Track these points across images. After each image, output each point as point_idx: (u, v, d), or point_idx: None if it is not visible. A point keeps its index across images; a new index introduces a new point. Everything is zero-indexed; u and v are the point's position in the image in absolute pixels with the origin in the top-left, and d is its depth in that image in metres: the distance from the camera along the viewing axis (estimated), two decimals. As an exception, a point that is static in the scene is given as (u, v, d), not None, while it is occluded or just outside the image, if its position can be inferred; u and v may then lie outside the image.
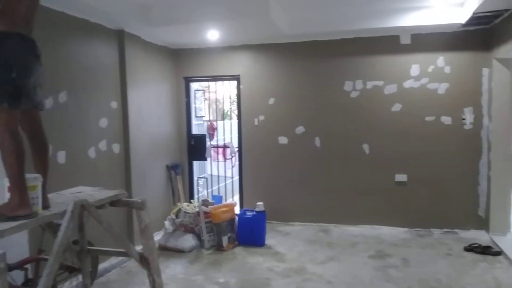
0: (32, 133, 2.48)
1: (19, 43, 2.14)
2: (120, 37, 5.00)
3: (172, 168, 6.22)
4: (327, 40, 5.91)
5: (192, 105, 6.73)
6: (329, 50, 5.95)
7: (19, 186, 2.18)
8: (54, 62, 3.95)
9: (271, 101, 6.24)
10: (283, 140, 6.23)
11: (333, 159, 6.06)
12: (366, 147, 5.92)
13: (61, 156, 4.05)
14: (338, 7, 5.09)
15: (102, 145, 4.68)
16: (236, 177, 6.66)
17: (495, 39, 5.13)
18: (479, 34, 5.39)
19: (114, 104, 4.93)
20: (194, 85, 6.80)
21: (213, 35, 5.57)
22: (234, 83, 6.55)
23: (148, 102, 5.59)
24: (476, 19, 4.86)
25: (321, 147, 6.09)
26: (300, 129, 6.16)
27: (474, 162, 5.56)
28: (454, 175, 5.63)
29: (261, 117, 6.28)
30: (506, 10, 4.53)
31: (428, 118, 5.68)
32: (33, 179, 2.31)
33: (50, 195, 2.61)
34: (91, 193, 2.99)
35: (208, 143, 6.69)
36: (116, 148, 4.95)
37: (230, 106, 9.73)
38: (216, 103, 7.44)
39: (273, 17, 4.69)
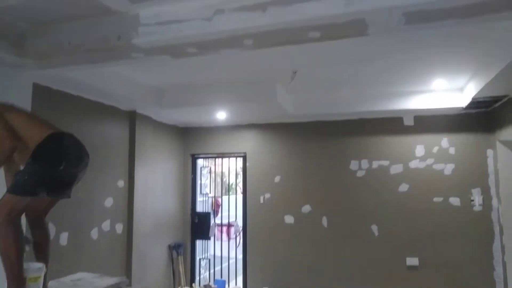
0: (37, 220, 2.43)
1: (72, 141, 2.33)
2: (131, 118, 5.15)
3: (174, 248, 6.02)
4: (332, 120, 6.06)
5: (198, 182, 6.72)
6: (334, 130, 6.08)
7: (17, 279, 2.07)
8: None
9: (277, 179, 6.23)
10: (289, 219, 6.10)
11: (340, 240, 5.87)
12: (374, 228, 5.77)
13: (63, 238, 3.94)
14: (342, 89, 5.29)
15: (106, 225, 4.59)
16: (240, 256, 6.41)
17: (497, 122, 5.25)
18: (481, 117, 5.53)
19: (121, 183, 4.92)
20: (200, 162, 6.85)
21: (221, 115, 5.74)
22: (240, 160, 6.60)
23: (154, 180, 5.59)
24: (476, 103, 5.01)
25: (328, 228, 5.94)
26: (306, 208, 6.06)
27: (488, 246, 5.36)
28: (468, 259, 5.40)
29: (267, 195, 6.23)
30: (505, 96, 4.69)
31: (436, 199, 5.60)
32: (36, 269, 2.21)
33: (50, 283, 2.49)
34: (92, 280, 2.87)
35: (212, 222, 6.56)
36: (119, 228, 4.84)
37: (236, 180, 9.68)
38: (221, 177, 7.44)
39: (280, 100, 4.86)
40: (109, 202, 4.67)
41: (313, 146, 6.15)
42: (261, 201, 6.23)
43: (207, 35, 2.77)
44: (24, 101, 3.48)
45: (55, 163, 2.18)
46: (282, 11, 2.50)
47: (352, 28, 2.62)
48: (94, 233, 4.41)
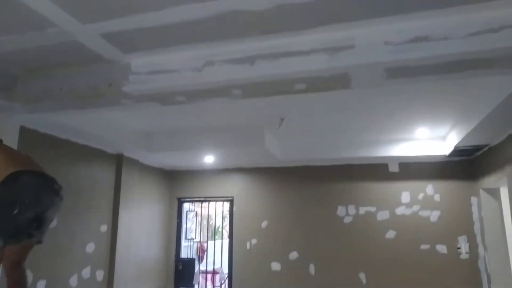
0: (14, 268, 2.33)
1: (30, 181, 2.11)
2: (118, 161, 5.13)
3: (157, 296, 5.79)
4: (319, 165, 6.12)
5: (183, 226, 6.59)
6: (321, 175, 6.12)
7: None
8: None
9: (264, 224, 6.16)
10: (276, 266, 5.97)
11: (328, 288, 5.74)
12: (362, 276, 5.67)
13: (41, 286, 3.77)
14: (329, 136, 5.38)
15: (86, 272, 4.42)
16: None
17: (479, 170, 5.36)
18: (464, 165, 5.65)
19: (104, 228, 4.81)
20: (186, 205, 6.76)
21: (208, 159, 5.75)
22: (227, 204, 6.54)
23: (139, 224, 5.47)
24: (459, 152, 5.14)
25: (316, 276, 5.82)
26: (293, 255, 5.96)
27: (476, 295, 5.30)
28: (457, 309, 5.31)
29: (254, 241, 6.12)
30: (486, 145, 4.83)
31: (423, 246, 5.58)
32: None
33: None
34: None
35: (196, 268, 6.37)
36: (100, 275, 4.66)
37: (222, 223, 9.52)
38: (207, 220, 7.32)
39: (267, 146, 4.92)
40: (90, 247, 4.54)
41: (301, 191, 6.15)
42: (248, 247, 6.12)
43: (197, 85, 2.84)
44: (11, 143, 3.46)
45: (7, 208, 1.97)
46: (269, 64, 2.61)
47: (336, 81, 2.72)
48: (74, 281, 4.23)
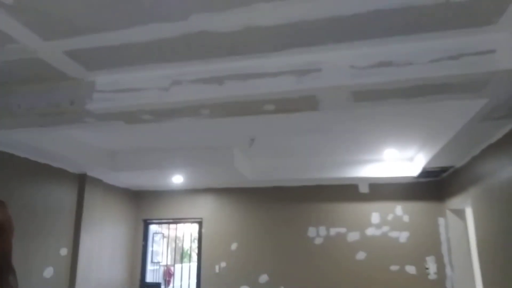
0: None
1: None
2: (81, 181, 4.92)
3: (120, 323, 5.52)
4: (289, 186, 6.09)
5: (149, 249, 6.37)
6: (292, 196, 6.09)
7: None
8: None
9: (234, 246, 6.03)
10: (246, 291, 5.82)
11: (299, 312, 5.64)
12: (334, 298, 5.62)
13: (-10, 317, 3.49)
14: (298, 156, 5.39)
15: (41, 299, 4.16)
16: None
17: (446, 191, 5.48)
18: (432, 186, 5.76)
19: (64, 251, 4.57)
20: (153, 227, 6.55)
21: (177, 179, 5.62)
22: (196, 226, 6.38)
23: (101, 246, 5.23)
24: (426, 173, 5.25)
25: (286, 299, 5.71)
26: (263, 278, 5.84)
27: (444, 316, 5.34)
28: (426, 330, 5.32)
29: (223, 264, 5.97)
30: (451, 167, 4.95)
31: (393, 268, 5.60)
32: None
33: None
34: None
35: (163, 292, 6.14)
36: (58, 302, 4.40)
37: (191, 245, 9.29)
38: (175, 241, 7.10)
39: (237, 166, 4.86)
40: (49, 272, 4.28)
41: (271, 212, 6.09)
42: (217, 270, 5.96)
43: (164, 104, 2.78)
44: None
45: None
46: (238, 85, 2.58)
47: (304, 103, 2.73)
48: (28, 309, 3.96)
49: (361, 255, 5.72)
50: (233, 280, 5.88)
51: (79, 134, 4.20)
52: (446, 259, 5.51)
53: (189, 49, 2.44)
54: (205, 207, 6.26)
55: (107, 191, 5.51)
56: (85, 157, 4.43)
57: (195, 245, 7.38)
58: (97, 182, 5.19)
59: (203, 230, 6.19)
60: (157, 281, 6.29)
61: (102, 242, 5.28)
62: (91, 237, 4.97)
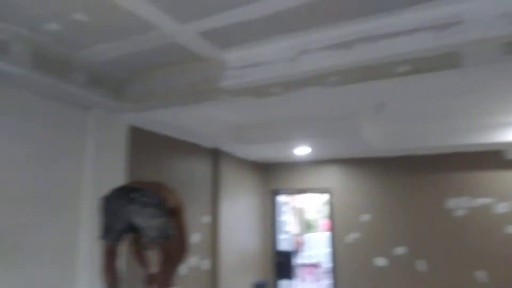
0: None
1: (110, 194, 2.56)
2: (214, 155, 5.33)
3: (258, 287, 5.92)
4: (423, 154, 5.65)
5: (279, 219, 6.64)
6: (426, 165, 5.65)
7: None
8: (158, 179, 4.24)
9: (365, 217, 5.89)
10: (381, 261, 5.67)
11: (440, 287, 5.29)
12: (481, 274, 5.10)
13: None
14: (433, 122, 4.93)
15: (193, 261, 4.69)
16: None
17: None
18: None
19: (206, 219, 5.05)
20: (281, 198, 6.79)
21: (303, 150, 5.67)
22: (322, 197, 6.40)
23: (237, 216, 5.65)
24: None
25: (425, 273, 5.40)
26: (399, 250, 5.60)
27: None
28: None
29: (355, 235, 5.89)
30: None
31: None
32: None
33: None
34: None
35: (295, 261, 6.36)
36: (206, 264, 4.92)
37: (317, 216, 9.41)
38: (301, 213, 7.28)
39: (365, 135, 4.66)
40: (195, 237, 4.79)
41: (403, 182, 5.75)
42: (349, 241, 5.92)
43: (292, 75, 2.78)
44: (120, 141, 3.82)
45: (100, 216, 2.56)
46: (368, 47, 2.43)
47: (444, 61, 2.44)
48: (183, 269, 4.51)
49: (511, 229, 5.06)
50: (367, 251, 5.78)
51: (210, 110, 4.52)
52: None
53: (314, 16, 2.37)
54: (332, 178, 6.22)
55: (238, 164, 5.87)
56: (216, 132, 4.75)
57: (319, 216, 7.46)
58: (228, 156, 5.57)
59: (332, 201, 6.17)
60: (288, 249, 6.55)
61: (238, 211, 5.69)
62: (228, 206, 5.40)
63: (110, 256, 2.54)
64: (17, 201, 2.90)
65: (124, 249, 2.65)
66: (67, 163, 3.31)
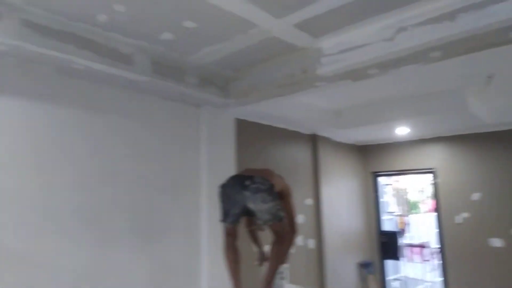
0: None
1: (227, 182, 2.85)
2: (313, 140, 5.48)
3: (363, 267, 5.97)
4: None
5: (381, 200, 6.55)
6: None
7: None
8: (263, 166, 4.54)
9: (475, 196, 5.52)
10: (496, 242, 5.28)
11: None
12: None
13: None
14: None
15: (299, 240, 4.92)
16: (437, 280, 5.85)
17: None
18: None
19: (309, 201, 5.24)
20: (381, 179, 6.68)
21: (402, 130, 5.51)
22: (425, 177, 6.14)
23: (338, 198, 5.74)
24: None
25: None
26: (517, 230, 5.17)
27: None
28: None
29: (465, 214, 5.57)
30: None
31: None
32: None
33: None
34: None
35: (400, 241, 6.25)
36: (311, 243, 5.13)
37: (419, 197, 9.02)
38: (404, 194, 7.06)
39: (472, 109, 4.37)
40: (300, 218, 5.01)
41: (519, 156, 5.25)
42: (457, 221, 5.62)
43: (389, 55, 2.78)
44: (229, 133, 4.18)
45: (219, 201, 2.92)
46: (474, 16, 2.33)
47: None
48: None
49: None
50: (479, 231, 5.42)
51: (307, 99, 4.65)
52: None
53: (409, -9, 2.35)
54: (436, 156, 5.93)
55: (336, 147, 5.94)
56: (313, 118, 4.88)
57: (423, 196, 7.14)
58: (326, 140, 5.67)
59: (437, 180, 5.89)
60: (393, 229, 6.45)
61: (339, 193, 5.79)
62: (328, 189, 5.52)
63: (230, 236, 2.84)
64: (150, 189, 3.40)
65: (240, 230, 2.93)
66: (187, 155, 3.76)
